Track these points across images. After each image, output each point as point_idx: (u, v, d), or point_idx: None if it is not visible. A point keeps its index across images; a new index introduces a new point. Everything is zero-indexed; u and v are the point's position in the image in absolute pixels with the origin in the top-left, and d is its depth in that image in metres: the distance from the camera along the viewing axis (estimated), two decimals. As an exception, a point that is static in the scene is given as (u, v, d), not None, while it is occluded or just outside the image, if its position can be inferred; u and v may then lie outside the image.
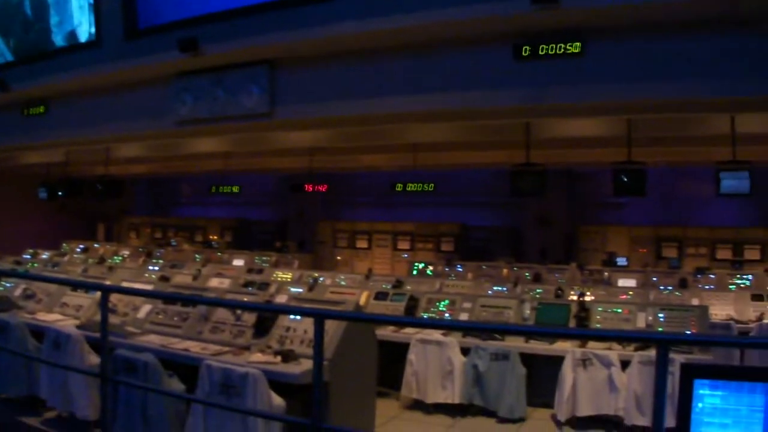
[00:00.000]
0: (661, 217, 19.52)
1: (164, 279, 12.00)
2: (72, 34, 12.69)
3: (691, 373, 2.50)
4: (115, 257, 18.03)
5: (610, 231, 19.85)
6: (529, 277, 14.07)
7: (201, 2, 10.84)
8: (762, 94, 8.63)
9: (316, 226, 23.29)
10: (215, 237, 24.31)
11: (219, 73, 11.20)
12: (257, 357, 6.46)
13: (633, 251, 19.11)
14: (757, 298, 11.69)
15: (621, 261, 17.43)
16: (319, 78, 10.53)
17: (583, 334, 8.57)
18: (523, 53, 8.94)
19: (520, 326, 9.50)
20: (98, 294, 7.73)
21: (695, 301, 11.08)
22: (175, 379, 6.13)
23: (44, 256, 16.76)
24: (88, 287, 8.94)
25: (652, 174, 11.79)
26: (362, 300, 10.46)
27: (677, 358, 6.12)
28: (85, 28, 12.39)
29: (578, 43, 8.71)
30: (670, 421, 2.63)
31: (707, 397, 2.47)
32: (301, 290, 11.10)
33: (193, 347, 6.92)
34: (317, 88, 10.52)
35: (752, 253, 18.04)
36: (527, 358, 8.54)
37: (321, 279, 12.86)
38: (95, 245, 20.55)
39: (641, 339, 7.91)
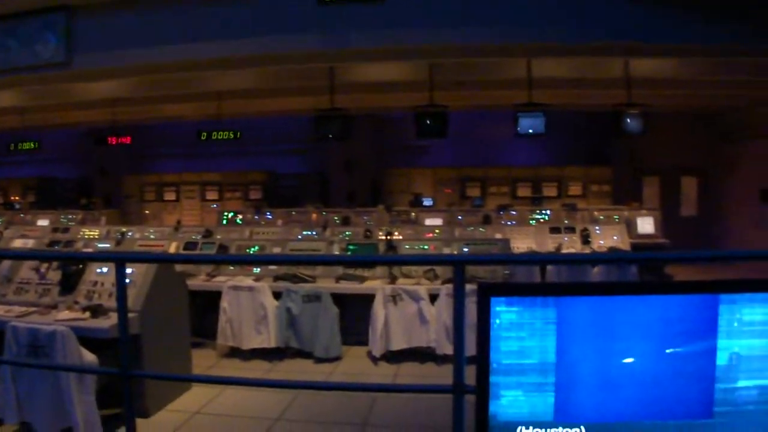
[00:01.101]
0: (465, 158, 20.19)
1: (-37, 243, 11.42)
2: None
3: (487, 292, 2.64)
4: None
5: (416, 173, 20.44)
6: (338, 221, 14.25)
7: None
8: (555, 41, 9.07)
9: (122, 180, 22.67)
10: (17, 198, 23.16)
11: (11, 21, 10.56)
12: (65, 314, 6.27)
13: (438, 192, 19.81)
14: (555, 231, 12.35)
15: (427, 202, 17.97)
16: (119, 25, 10.15)
17: (386, 260, 8.87)
18: (326, -3, 8.95)
19: (328, 256, 9.64)
20: None
21: (498, 236, 11.53)
22: (-21, 345, 5.88)
23: None
24: None
25: (454, 117, 12.17)
26: (171, 251, 10.34)
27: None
28: None
29: (381, -12, 8.80)
30: (474, 348, 2.77)
31: (504, 313, 2.62)
32: (108, 245, 10.82)
33: (-3, 311, 6.64)
34: (117, 36, 10.15)
35: (550, 190, 19.21)
36: (339, 299, 8.68)
37: (129, 234, 12.54)
38: None
39: (439, 262, 8.30)
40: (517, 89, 11.85)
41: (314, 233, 12.04)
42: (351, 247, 9.99)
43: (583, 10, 8.74)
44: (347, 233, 11.84)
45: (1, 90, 13.68)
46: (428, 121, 11.70)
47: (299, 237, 11.79)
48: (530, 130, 11.69)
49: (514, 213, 14.48)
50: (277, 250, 10.09)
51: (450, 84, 12.33)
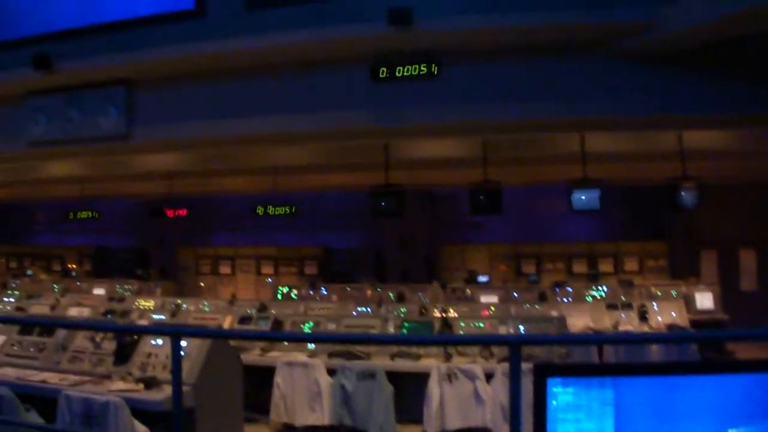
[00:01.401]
0: (519, 234, 20.07)
1: (20, 310, 11.59)
2: None
3: (543, 372, 2.60)
4: (-33, 290, 17.15)
5: (470, 249, 20.35)
6: (392, 298, 14.19)
7: (56, 18, 10.48)
8: (608, 114, 9.07)
9: (177, 252, 22.89)
10: (74, 266, 23.46)
11: (74, 93, 10.77)
12: (118, 385, 6.30)
13: (493, 268, 19.66)
14: (612, 307, 12.09)
15: (482, 278, 17.82)
16: (178, 99, 10.38)
17: (440, 341, 8.78)
18: (381, 75, 9.06)
19: (384, 335, 9.61)
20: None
21: (554, 314, 11.37)
22: (33, 413, 5.90)
23: None
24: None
25: (508, 193, 12.13)
26: (226, 325, 10.37)
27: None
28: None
29: (434, 65, 8.90)
30: (531, 430, 2.71)
31: (560, 394, 2.57)
32: (163, 317, 10.89)
33: (51, 378, 6.68)
34: (176, 110, 10.38)
35: (606, 266, 18.91)
36: (394, 377, 8.56)
37: (184, 306, 12.58)
38: (-57, 278, 19.54)
39: (494, 342, 8.19)
40: (571, 164, 11.81)
41: (369, 310, 12.00)
42: (406, 324, 9.94)
43: (635, 84, 8.76)
44: (402, 310, 11.75)
45: (62, 159, 14.01)
46: (482, 197, 11.68)
47: (354, 313, 11.74)
48: (585, 205, 11.60)
49: (569, 290, 14.29)
50: (332, 326, 10.07)
51: (503, 160, 12.34)
